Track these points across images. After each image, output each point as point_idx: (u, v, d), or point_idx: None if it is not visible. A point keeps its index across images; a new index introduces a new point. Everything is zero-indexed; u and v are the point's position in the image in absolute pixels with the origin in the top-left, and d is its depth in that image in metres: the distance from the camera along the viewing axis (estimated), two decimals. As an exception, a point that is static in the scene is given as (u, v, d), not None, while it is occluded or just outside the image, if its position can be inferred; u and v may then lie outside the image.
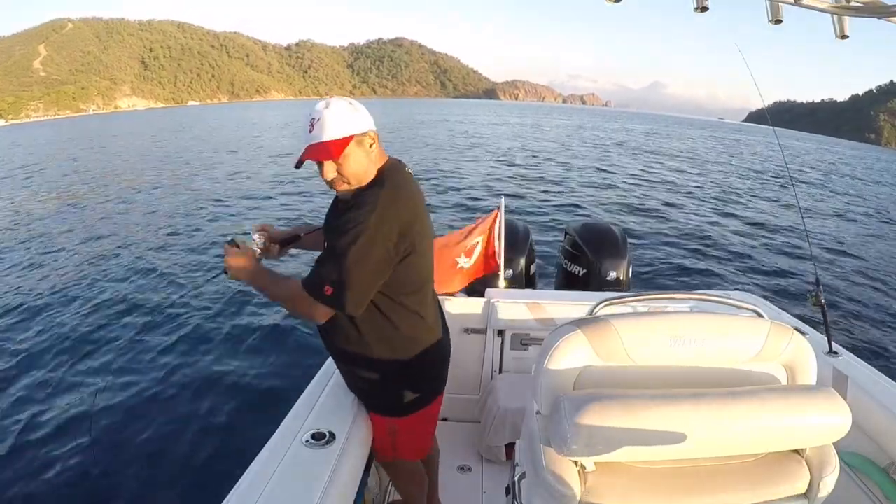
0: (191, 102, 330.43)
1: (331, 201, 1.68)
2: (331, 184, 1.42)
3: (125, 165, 20.79)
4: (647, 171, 20.73)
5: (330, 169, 1.38)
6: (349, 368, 1.65)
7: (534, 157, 23.59)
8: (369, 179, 1.43)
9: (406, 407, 1.63)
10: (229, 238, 1.63)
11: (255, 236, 1.67)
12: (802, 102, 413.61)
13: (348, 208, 1.37)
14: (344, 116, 1.37)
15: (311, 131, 1.37)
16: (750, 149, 40.61)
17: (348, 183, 1.41)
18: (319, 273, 1.36)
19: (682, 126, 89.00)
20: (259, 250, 1.64)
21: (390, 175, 1.45)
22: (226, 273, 1.53)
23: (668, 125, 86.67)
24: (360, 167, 1.40)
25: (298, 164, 1.44)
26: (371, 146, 1.42)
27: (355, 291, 1.35)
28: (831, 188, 21.74)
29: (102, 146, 31.06)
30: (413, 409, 1.64)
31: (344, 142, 1.36)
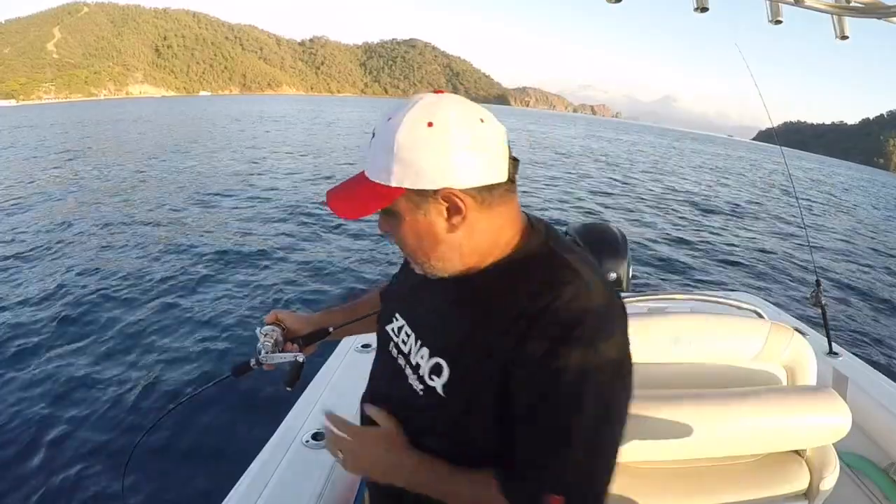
0: (202, 93, 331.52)
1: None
2: None
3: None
4: (651, 177, 20.70)
5: None
6: None
7: (542, 160, 23.58)
8: None
9: None
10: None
11: (265, 332, 1.07)
12: (812, 124, 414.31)
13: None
14: None
15: None
16: (756, 165, 40.59)
17: None
18: (555, 474, 0.67)
19: (691, 141, 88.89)
20: (269, 352, 1.05)
21: None
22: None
23: (677, 139, 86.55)
24: None
25: None
26: None
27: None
28: (834, 203, 21.70)
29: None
30: None
31: None
